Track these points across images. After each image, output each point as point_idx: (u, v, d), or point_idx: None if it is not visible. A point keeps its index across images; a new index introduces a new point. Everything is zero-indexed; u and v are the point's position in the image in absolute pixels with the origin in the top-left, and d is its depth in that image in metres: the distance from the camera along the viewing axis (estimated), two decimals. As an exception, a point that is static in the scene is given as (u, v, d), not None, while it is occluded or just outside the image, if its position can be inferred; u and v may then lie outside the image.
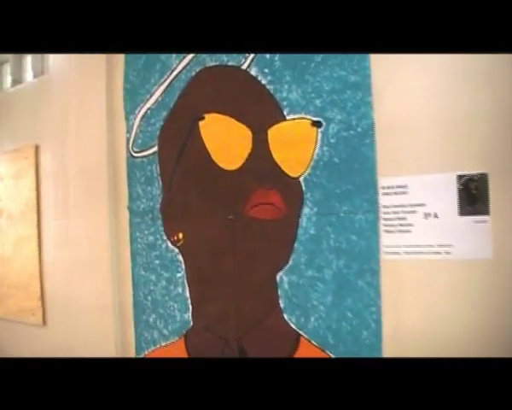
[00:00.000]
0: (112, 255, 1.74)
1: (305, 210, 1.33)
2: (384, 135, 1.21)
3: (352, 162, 1.26)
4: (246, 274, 1.43)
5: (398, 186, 1.19)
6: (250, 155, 1.40)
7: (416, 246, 1.16)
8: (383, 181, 1.21)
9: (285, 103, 1.36)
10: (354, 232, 1.25)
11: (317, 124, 1.31)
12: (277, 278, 1.37)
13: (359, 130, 1.25)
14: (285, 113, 1.36)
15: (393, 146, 1.19)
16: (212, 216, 1.48)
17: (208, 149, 1.47)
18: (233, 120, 1.42)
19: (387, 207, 1.21)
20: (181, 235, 1.56)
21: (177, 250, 1.58)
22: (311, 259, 1.32)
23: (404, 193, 1.18)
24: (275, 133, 1.37)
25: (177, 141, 1.56)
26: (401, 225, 1.19)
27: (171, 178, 1.60)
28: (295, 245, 1.35)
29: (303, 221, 1.33)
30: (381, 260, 1.22)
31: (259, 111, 1.40)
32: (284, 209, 1.35)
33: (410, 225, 1.17)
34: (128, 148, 1.71)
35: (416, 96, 1.16)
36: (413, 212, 1.17)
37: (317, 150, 1.31)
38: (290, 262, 1.35)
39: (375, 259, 1.22)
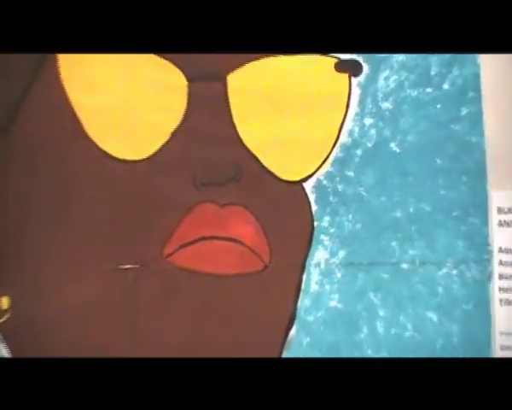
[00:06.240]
0: None
1: (318, 255, 0.59)
2: (498, 101, 0.58)
3: (432, 155, 0.59)
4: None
5: (533, 210, 0.58)
6: (181, 127, 0.59)
7: None
8: (500, 198, 0.58)
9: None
10: (432, 306, 0.58)
11: (349, 67, 0.60)
12: None
13: (446, 87, 0.59)
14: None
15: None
16: (84, 263, 0.59)
17: (77, 113, 0.58)
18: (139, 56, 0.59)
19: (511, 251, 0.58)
20: (5, 302, 0.62)
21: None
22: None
23: (544, 224, 0.58)
24: (244, 81, 0.59)
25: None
26: (538, 291, 0.57)
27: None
28: (292, 332, 0.59)
29: (311, 279, 0.59)
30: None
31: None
32: (266, 253, 0.59)
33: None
34: None
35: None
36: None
37: (348, 124, 0.60)
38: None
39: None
